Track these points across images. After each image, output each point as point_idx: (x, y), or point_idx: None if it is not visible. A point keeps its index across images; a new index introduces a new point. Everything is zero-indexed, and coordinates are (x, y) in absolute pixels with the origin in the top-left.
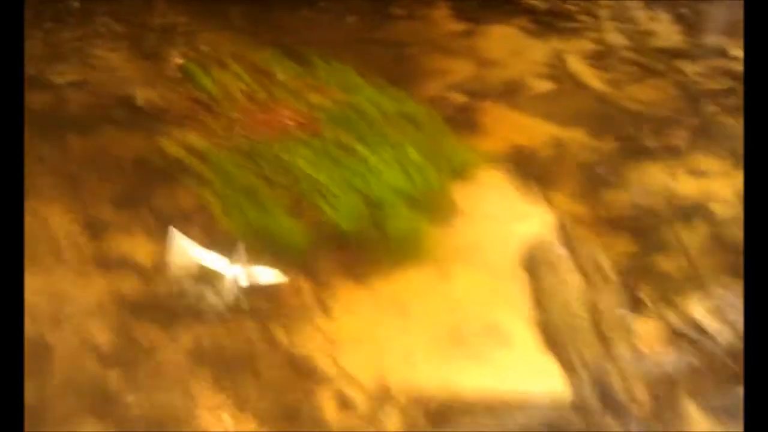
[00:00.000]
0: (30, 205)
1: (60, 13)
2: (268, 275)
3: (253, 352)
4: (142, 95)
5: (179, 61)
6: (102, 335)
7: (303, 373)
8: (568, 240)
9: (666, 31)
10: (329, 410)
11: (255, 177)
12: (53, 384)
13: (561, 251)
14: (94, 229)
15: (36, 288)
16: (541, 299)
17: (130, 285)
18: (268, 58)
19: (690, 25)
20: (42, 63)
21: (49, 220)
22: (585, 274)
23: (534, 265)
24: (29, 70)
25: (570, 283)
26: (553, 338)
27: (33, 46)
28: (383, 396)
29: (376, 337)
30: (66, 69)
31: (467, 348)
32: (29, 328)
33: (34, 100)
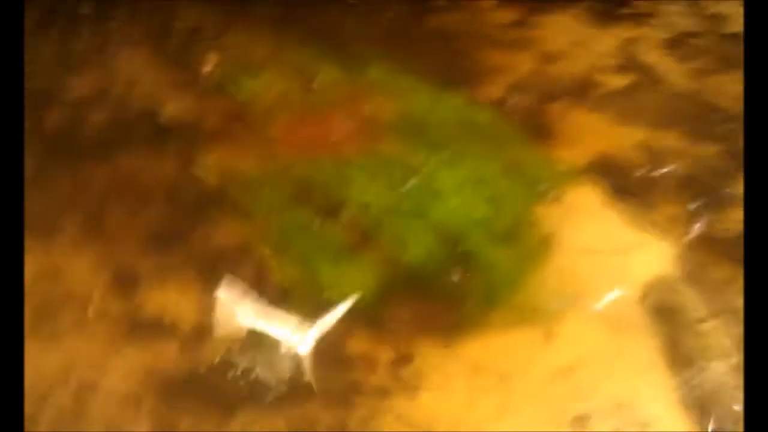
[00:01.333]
0: (41, 252)
1: (71, 18)
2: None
3: None
4: (168, 110)
5: (208, 68)
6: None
7: None
8: (692, 276)
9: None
10: None
11: (305, 208)
12: None
13: (689, 293)
14: (123, 283)
15: (49, 366)
16: (675, 360)
17: (167, 357)
18: (307, 60)
19: None
20: (52, 76)
21: (65, 272)
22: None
23: (660, 313)
24: (38, 83)
25: (708, 336)
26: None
27: (40, 55)
28: None
29: (475, 425)
30: (80, 82)
31: None
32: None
33: (44, 119)
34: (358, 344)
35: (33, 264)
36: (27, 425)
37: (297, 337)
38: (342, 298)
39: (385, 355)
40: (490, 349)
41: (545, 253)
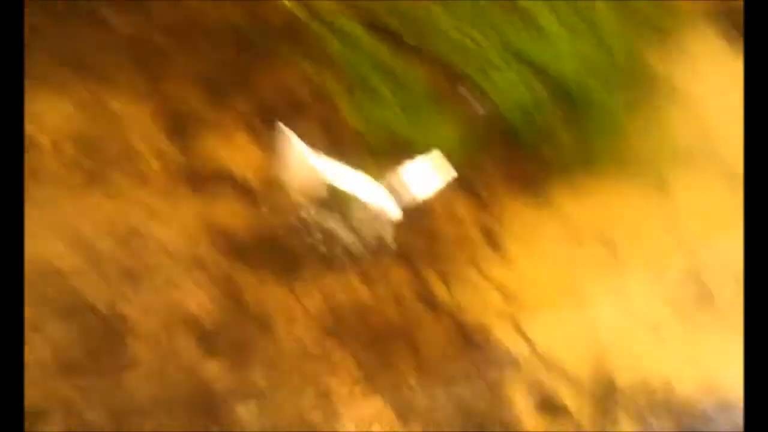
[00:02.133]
0: (87, 92)
1: None
2: (421, 187)
3: (407, 320)
4: None
5: None
6: (197, 299)
7: (477, 352)
8: None
9: None
10: (524, 411)
11: (388, 49)
12: (132, 385)
13: None
14: (183, 132)
15: (100, 219)
16: None
17: (231, 214)
18: None
19: None
20: None
21: (119, 117)
22: None
23: None
24: None
25: None
26: None
27: None
28: (601, 388)
29: (574, 290)
30: None
31: (717, 312)
32: (93, 292)
33: None
34: (443, 203)
35: (84, 111)
36: (72, 280)
37: (379, 193)
38: (425, 151)
39: (468, 209)
40: (594, 206)
41: (663, 102)
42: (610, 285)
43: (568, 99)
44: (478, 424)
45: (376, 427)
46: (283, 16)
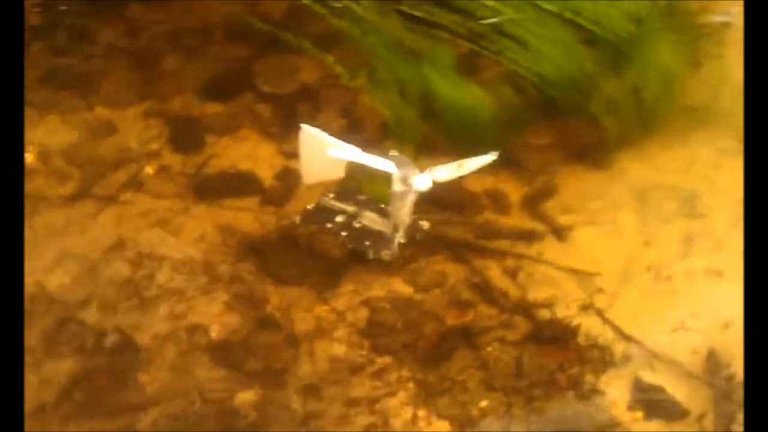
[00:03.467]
0: (84, 108)
1: None
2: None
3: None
4: None
5: None
6: (217, 318)
7: (559, 352)
8: None
9: None
10: (630, 417)
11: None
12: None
13: None
14: (186, 134)
15: (104, 233)
16: None
17: (247, 217)
18: None
19: None
20: None
21: (118, 125)
22: None
23: None
24: None
25: None
26: None
27: None
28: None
29: (659, 264)
30: None
31: None
32: (96, 317)
33: None
34: (481, 179)
35: (80, 121)
36: (79, 310)
37: (408, 172)
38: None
39: (518, 190)
40: (661, 165)
41: (718, 47)
42: (691, 249)
43: (619, 56)
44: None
45: None
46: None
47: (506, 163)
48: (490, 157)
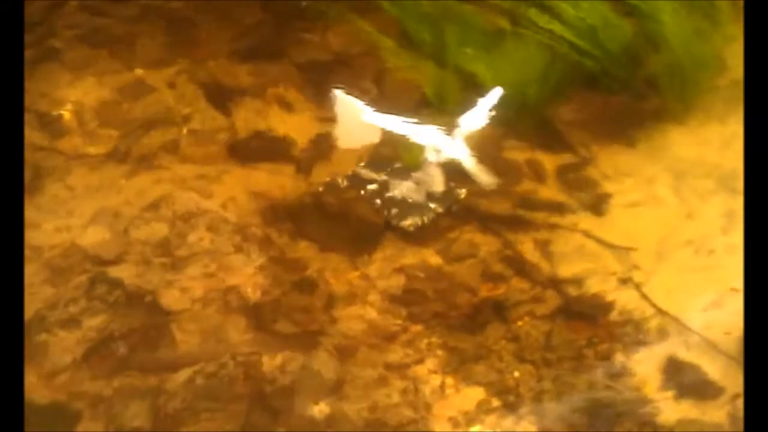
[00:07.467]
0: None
1: None
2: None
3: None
4: None
5: None
6: (251, 280)
7: (591, 329)
8: None
9: None
10: (664, 398)
11: None
12: (179, 384)
13: None
14: (221, 98)
15: (141, 193)
16: None
17: (281, 182)
18: None
19: None
20: None
21: (154, 87)
22: None
23: None
24: None
25: None
26: None
27: None
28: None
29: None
30: None
31: None
32: (130, 275)
33: None
34: (519, 150)
35: (116, 81)
36: (112, 268)
37: (443, 139)
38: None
39: (555, 161)
40: (701, 141)
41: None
42: (732, 225)
43: (655, 27)
44: (605, 420)
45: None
46: None
47: (545, 136)
48: (496, 94)
